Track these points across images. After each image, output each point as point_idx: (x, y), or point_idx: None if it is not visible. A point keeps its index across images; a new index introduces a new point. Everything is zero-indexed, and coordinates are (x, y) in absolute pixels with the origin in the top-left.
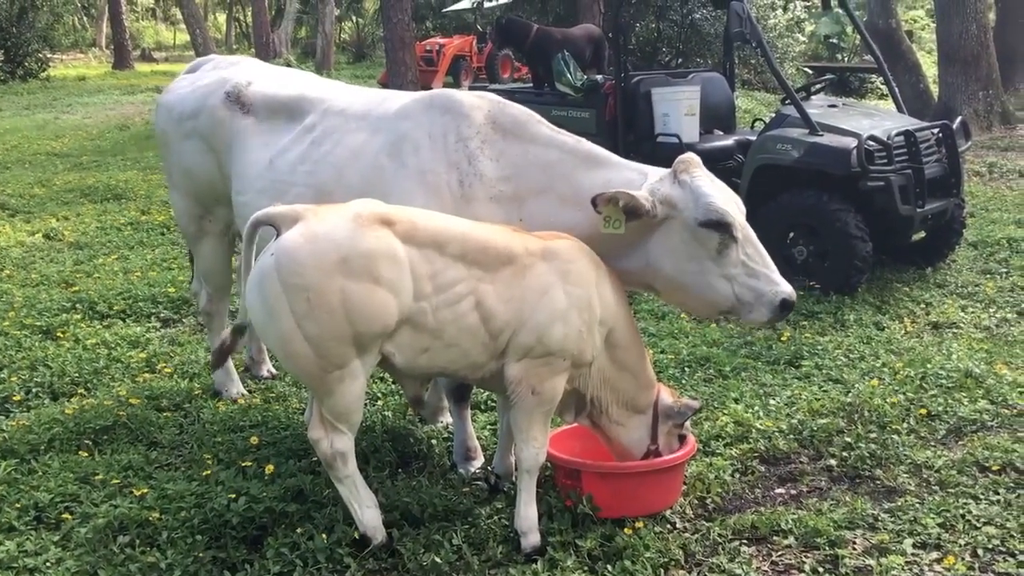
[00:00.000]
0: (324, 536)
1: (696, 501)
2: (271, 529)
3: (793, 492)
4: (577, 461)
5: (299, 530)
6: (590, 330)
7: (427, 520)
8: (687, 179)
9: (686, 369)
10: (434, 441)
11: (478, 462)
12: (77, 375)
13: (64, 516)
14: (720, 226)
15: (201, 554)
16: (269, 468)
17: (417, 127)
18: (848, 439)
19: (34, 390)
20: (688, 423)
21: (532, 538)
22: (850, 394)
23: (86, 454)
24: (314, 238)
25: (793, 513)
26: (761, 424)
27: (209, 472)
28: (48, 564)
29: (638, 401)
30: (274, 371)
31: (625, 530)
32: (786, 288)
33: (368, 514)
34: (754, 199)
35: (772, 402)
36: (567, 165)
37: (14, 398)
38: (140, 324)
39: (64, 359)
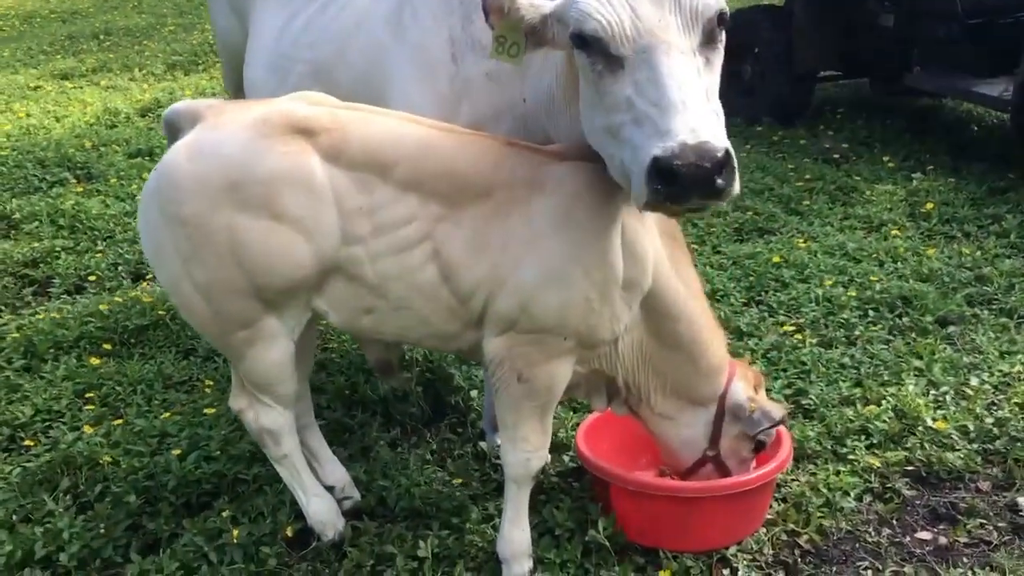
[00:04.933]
0: (236, 532)
1: (784, 536)
2: (222, 494)
3: (942, 542)
4: (605, 468)
5: (224, 513)
6: (604, 297)
7: (399, 516)
8: None
9: (869, 312)
10: (474, 392)
11: None
12: None
13: (28, 443)
14: (584, 41)
15: (103, 528)
16: None
17: None
18: None
19: (119, 268)
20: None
21: (516, 568)
22: None
23: (98, 360)
24: (198, 154)
25: None
26: (935, 420)
27: (173, 414)
28: None
29: (695, 390)
30: None
31: None
32: (672, 140)
33: (315, 504)
34: None
35: (972, 381)
36: None
37: (90, 277)
38: None
39: None
